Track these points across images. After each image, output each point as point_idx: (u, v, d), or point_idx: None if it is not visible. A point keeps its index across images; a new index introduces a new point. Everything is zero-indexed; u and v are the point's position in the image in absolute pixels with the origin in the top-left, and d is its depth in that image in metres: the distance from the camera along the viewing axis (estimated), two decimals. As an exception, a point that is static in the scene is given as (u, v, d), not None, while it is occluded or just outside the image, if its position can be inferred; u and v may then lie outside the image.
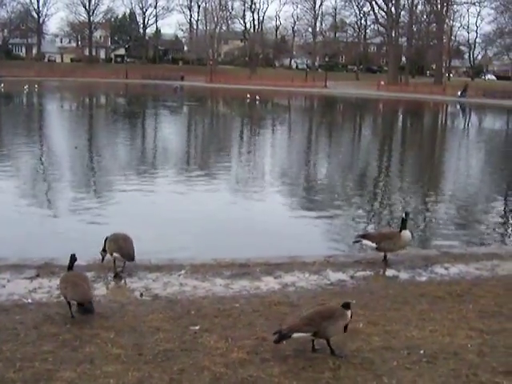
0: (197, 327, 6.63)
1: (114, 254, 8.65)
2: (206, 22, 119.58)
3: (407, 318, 7.01)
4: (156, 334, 6.43)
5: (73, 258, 7.37)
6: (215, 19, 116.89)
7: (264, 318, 6.97)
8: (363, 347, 6.17)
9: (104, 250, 8.73)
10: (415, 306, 7.43)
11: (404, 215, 9.29)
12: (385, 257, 9.45)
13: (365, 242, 9.55)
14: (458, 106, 65.89)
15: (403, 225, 9.18)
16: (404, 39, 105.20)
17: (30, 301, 7.46)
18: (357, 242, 9.97)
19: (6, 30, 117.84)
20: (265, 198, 16.09)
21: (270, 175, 20.09)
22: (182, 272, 8.69)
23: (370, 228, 13.22)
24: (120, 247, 8.57)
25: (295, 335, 5.93)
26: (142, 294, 7.77)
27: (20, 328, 6.51)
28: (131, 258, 8.58)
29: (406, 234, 9.20)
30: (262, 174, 20.30)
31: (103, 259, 8.73)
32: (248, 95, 60.66)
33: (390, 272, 9.11)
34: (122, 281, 8.36)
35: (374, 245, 9.36)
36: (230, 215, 14.19)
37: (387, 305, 7.49)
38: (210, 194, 16.30)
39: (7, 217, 13.11)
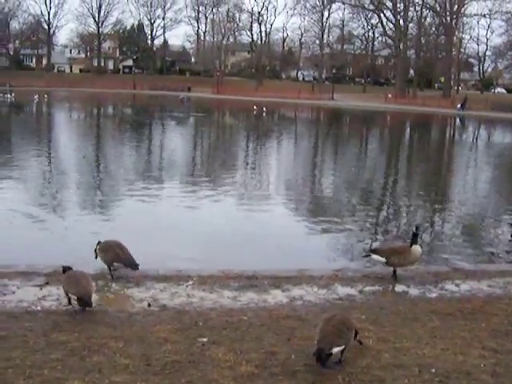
0: (205, 339, 6.59)
1: (115, 264, 8.69)
2: (214, 33, 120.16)
3: (418, 336, 6.93)
4: (164, 345, 6.39)
5: (66, 267, 7.75)
6: (222, 31, 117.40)
7: (272, 331, 6.92)
8: (373, 364, 6.10)
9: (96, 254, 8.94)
10: (426, 323, 7.36)
11: (415, 229, 9.21)
12: (394, 272, 9.38)
13: (374, 256, 9.48)
14: (458, 119, 65.66)
15: (414, 239, 9.09)
16: (412, 51, 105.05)
17: (39, 308, 7.46)
18: (366, 256, 9.90)
19: (17, 41, 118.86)
20: (272, 211, 16.01)
21: (277, 187, 20.04)
22: (190, 283, 8.66)
23: (379, 242, 13.14)
24: (119, 256, 8.65)
25: (335, 350, 5.88)
26: (149, 305, 7.74)
27: (29, 335, 6.51)
28: (135, 265, 8.65)
29: (417, 249, 9.12)
30: (268, 186, 20.26)
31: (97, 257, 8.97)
32: (255, 107, 60.74)
33: (399, 288, 9.03)
34: (129, 290, 8.33)
35: (383, 259, 9.29)
36: (237, 227, 14.12)
37: (397, 321, 7.42)
38: (216, 206, 16.24)
39: (16, 224, 13.10)
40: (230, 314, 7.49)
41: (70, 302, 7.39)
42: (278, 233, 13.41)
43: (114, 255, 8.66)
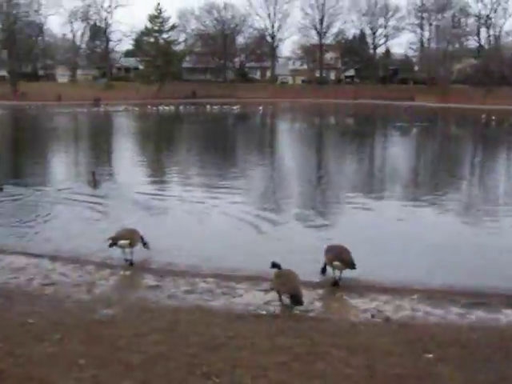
0: (430, 355, 6.33)
1: (334, 263, 8.90)
2: (438, 40, 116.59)
3: None
4: (388, 357, 6.26)
5: (275, 264, 8.32)
6: (447, 37, 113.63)
7: (503, 353, 6.44)
8: None
9: (325, 264, 9.28)
10: None
11: None
12: None
13: None
14: None
15: None
16: None
17: (264, 312, 7.75)
18: None
19: (242, 55, 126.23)
20: (495, 227, 14.73)
21: (506, 203, 18.43)
22: (415, 296, 8.43)
23: None
24: (339, 255, 8.94)
25: None
26: (373, 316, 7.68)
27: (255, 337, 6.75)
28: (353, 265, 8.86)
29: None
30: (496, 201, 18.65)
31: (323, 272, 9.39)
32: (483, 116, 57.66)
33: None
34: (353, 300, 8.35)
35: None
36: (458, 242, 13.18)
37: None
38: (436, 219, 15.47)
39: (240, 231, 13.56)
40: (458, 330, 7.14)
41: (280, 300, 7.83)
42: (503, 248, 12.42)
43: (336, 253, 9.00)
